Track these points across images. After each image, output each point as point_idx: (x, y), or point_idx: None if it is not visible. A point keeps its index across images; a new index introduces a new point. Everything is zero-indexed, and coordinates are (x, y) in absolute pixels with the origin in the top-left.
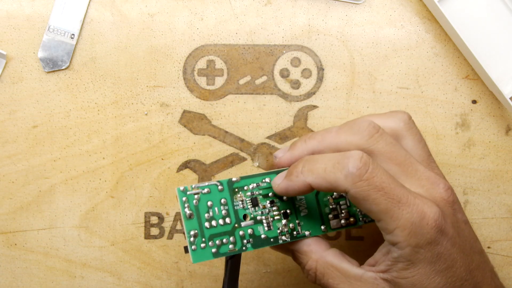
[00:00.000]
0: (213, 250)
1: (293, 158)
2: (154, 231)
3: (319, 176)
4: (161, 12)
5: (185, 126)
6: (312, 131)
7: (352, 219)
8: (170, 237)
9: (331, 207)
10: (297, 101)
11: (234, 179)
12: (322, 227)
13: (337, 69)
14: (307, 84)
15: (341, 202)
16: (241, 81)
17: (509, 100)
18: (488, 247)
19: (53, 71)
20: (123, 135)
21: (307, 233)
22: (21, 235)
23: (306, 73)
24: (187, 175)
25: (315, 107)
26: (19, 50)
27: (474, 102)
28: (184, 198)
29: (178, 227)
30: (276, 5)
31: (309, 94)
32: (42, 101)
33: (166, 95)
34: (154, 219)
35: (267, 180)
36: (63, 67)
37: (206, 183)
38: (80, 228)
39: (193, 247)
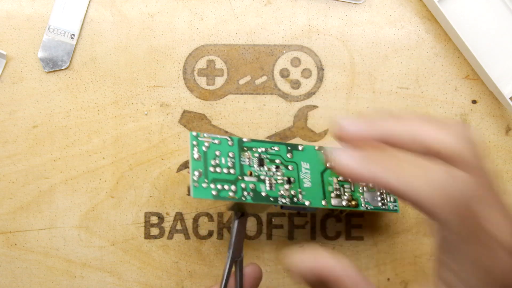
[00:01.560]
0: (214, 192)
1: (368, 136)
2: (154, 231)
3: (409, 187)
4: (161, 12)
5: (185, 126)
6: (312, 131)
7: (354, 202)
8: (170, 237)
9: (334, 187)
10: (297, 101)
11: (245, 139)
12: (323, 202)
13: (337, 69)
14: (307, 84)
15: (345, 185)
16: (241, 81)
17: (509, 100)
18: None
19: (53, 71)
20: (123, 135)
21: (307, 202)
22: (21, 235)
23: (306, 73)
24: (187, 175)
25: (315, 107)
26: (19, 50)
27: (474, 102)
28: (194, 142)
29: (178, 227)
30: (276, 5)
31: (309, 94)
32: (42, 101)
33: (166, 95)
34: (154, 219)
35: (276, 148)
36: (63, 67)
37: (218, 136)
38: (80, 228)
39: (195, 184)
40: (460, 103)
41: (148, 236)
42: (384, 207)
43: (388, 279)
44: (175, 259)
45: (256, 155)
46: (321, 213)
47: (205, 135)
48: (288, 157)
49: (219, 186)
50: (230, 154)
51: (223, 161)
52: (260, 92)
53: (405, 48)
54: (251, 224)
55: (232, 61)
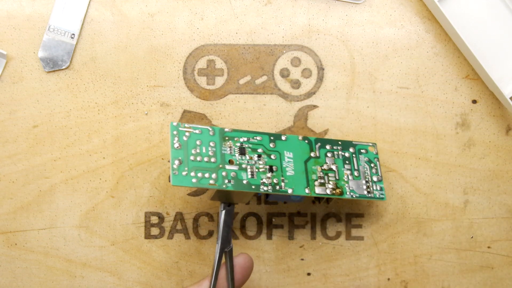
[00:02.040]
0: (194, 180)
1: None
2: (155, 231)
3: None
4: (161, 12)
5: None
6: (312, 131)
7: (338, 190)
8: (171, 237)
9: (318, 175)
10: (297, 100)
11: (226, 129)
12: (306, 190)
13: (337, 68)
14: (307, 84)
15: (329, 174)
16: (241, 81)
17: (509, 100)
18: (488, 247)
19: (53, 71)
20: (123, 135)
21: (290, 190)
22: (21, 235)
23: (306, 72)
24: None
25: (315, 106)
26: (19, 50)
27: (474, 102)
28: (175, 132)
29: (179, 226)
30: (276, 5)
31: (309, 94)
32: (43, 101)
33: (166, 95)
34: (155, 219)
35: (259, 138)
36: (63, 67)
37: (199, 126)
38: (80, 228)
39: (174, 172)
40: (460, 103)
41: (148, 236)
42: (370, 195)
43: (389, 279)
44: (176, 259)
45: (238, 144)
46: (321, 212)
47: (186, 125)
48: (270, 147)
49: (199, 174)
50: (211, 144)
51: (203, 150)
52: (260, 92)
53: (405, 47)
54: (251, 224)
55: (232, 61)
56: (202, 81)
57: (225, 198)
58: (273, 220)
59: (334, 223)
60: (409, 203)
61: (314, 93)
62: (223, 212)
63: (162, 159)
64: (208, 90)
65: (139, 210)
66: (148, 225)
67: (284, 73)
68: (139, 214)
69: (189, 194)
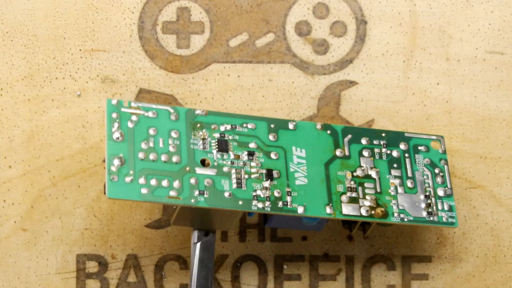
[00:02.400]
0: (144, 190)
1: None
2: (93, 284)
3: None
4: None
5: None
6: (349, 123)
7: (380, 210)
8: None
9: (348, 185)
10: (324, 73)
11: (198, 111)
12: (328, 208)
13: (388, 22)
14: (339, 47)
15: (366, 184)
16: (233, 42)
17: None
18: None
19: None
20: (41, 130)
21: (300, 209)
22: None
23: (338, 28)
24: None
25: (353, 83)
26: None
27: None
28: (114, 115)
29: (132, 278)
30: None
31: (343, 63)
32: None
33: (111, 65)
34: (93, 266)
35: (251, 126)
36: None
37: (154, 105)
38: None
39: (112, 177)
40: None
41: None
42: (431, 218)
43: None
44: None
45: (217, 135)
46: (363, 254)
47: (133, 104)
48: (270, 140)
49: (153, 182)
50: (173, 134)
51: (160, 143)
52: (264, 60)
53: None
54: (248, 273)
55: (218, 10)
56: (169, 42)
57: (197, 221)
58: (285, 267)
59: (383, 272)
60: (505, 239)
61: (351, 61)
62: (197, 246)
63: (105, 168)
64: (179, 56)
65: (68, 251)
66: (82, 275)
67: (303, 30)
68: (67, 258)
69: (148, 226)
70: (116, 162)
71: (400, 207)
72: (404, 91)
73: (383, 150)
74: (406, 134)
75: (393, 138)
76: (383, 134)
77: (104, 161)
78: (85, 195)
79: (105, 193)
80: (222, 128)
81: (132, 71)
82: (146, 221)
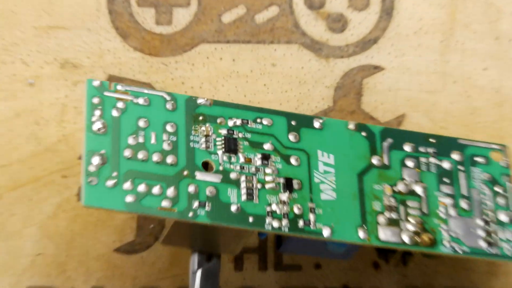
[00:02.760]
0: (129, 197)
1: None
2: None
3: None
4: None
5: None
6: (373, 118)
7: (427, 237)
8: None
9: (387, 203)
10: (341, 57)
11: (201, 100)
12: (361, 233)
13: None
14: (360, 23)
15: (409, 203)
16: (226, 17)
17: None
18: None
19: None
20: None
21: (326, 231)
22: None
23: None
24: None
25: (377, 69)
26: None
27: None
28: (95, 100)
29: None
30: None
31: (366, 44)
32: None
33: (72, 46)
34: None
35: (266, 121)
36: None
37: (146, 90)
38: None
39: (90, 179)
40: None
41: None
42: (492, 250)
43: None
44: None
45: (224, 131)
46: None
47: (120, 87)
48: (290, 140)
49: (141, 188)
50: (169, 127)
51: (152, 139)
52: (266, 40)
53: None
54: None
55: None
56: (146, 17)
57: (194, 241)
58: None
59: None
60: None
61: (375, 41)
62: (198, 274)
63: (64, 176)
64: (159, 35)
65: (16, 282)
66: None
67: (314, 1)
68: None
69: (118, 250)
70: (96, 160)
71: (452, 234)
72: (442, 79)
73: (432, 160)
74: (460, 141)
75: (444, 145)
76: (433, 140)
77: (80, 158)
78: (37, 210)
79: (80, 200)
80: (230, 123)
81: (100, 53)
82: (116, 244)
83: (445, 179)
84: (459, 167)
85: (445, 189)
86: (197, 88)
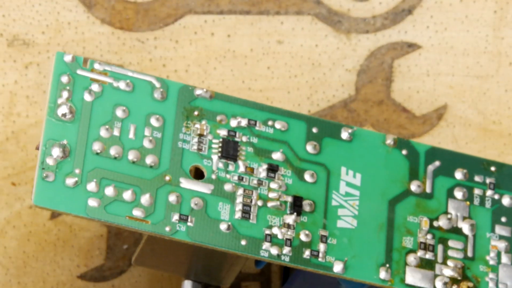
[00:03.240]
0: (92, 201)
1: None
2: None
3: None
4: None
5: None
6: (406, 110)
7: (467, 286)
8: None
9: (421, 240)
10: (367, 31)
11: (199, 91)
12: (382, 272)
13: None
14: None
15: (451, 242)
16: None
17: None
18: None
19: None
20: None
21: (338, 266)
22: None
23: None
24: (81, 225)
25: (412, 47)
26: None
27: None
28: (64, 79)
29: None
30: None
31: (397, 15)
32: None
33: (23, 19)
34: None
35: (279, 125)
36: None
37: (131, 72)
38: None
39: (46, 174)
40: None
41: None
42: None
43: None
44: None
45: (223, 132)
46: None
47: (98, 65)
48: (308, 151)
49: (108, 191)
50: (154, 121)
51: (130, 132)
52: (270, 10)
53: None
54: None
55: None
56: None
57: (172, 263)
58: None
59: None
60: None
61: (409, 11)
62: None
63: (14, 184)
64: (133, 4)
65: None
66: None
67: None
68: None
69: (82, 277)
70: (56, 151)
71: (501, 286)
72: (495, 60)
73: (489, 193)
74: None
75: (509, 175)
76: (493, 168)
77: (37, 148)
78: None
79: (32, 198)
80: (233, 123)
81: (57, 27)
82: (80, 270)
83: (502, 218)
84: None
85: (501, 230)
86: (182, 71)
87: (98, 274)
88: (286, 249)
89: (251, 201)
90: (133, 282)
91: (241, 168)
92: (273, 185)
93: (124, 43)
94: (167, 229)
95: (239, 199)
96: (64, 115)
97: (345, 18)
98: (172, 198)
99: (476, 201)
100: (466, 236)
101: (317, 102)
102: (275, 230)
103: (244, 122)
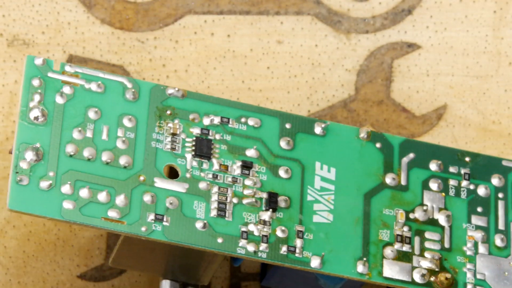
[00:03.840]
0: (67, 203)
1: None
2: None
3: None
4: None
5: None
6: (405, 110)
7: (444, 278)
8: None
9: (397, 232)
10: (366, 31)
11: (171, 90)
12: (360, 266)
13: None
14: None
15: (428, 234)
16: None
17: None
18: None
19: None
20: None
21: (315, 261)
22: None
23: None
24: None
25: (412, 47)
26: None
27: None
28: (36, 82)
29: None
30: None
31: (397, 15)
32: None
33: (23, 18)
34: None
35: (252, 122)
36: None
37: (102, 73)
38: None
39: (20, 178)
40: None
41: None
42: None
43: None
44: None
45: (196, 130)
46: None
47: (68, 67)
48: (282, 147)
49: (83, 193)
50: (127, 121)
51: (103, 133)
52: (270, 10)
53: None
54: None
55: None
56: None
57: (149, 263)
58: None
59: None
60: None
61: (409, 11)
62: None
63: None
64: (133, 4)
65: None
66: None
67: None
68: None
69: (82, 277)
70: (29, 155)
71: (478, 276)
72: (495, 60)
73: (464, 183)
74: (504, 163)
75: (483, 166)
76: (467, 159)
77: (11, 152)
78: None
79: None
80: (206, 121)
81: (57, 27)
82: (80, 269)
83: (478, 209)
84: (499, 194)
85: (477, 220)
86: (182, 71)
87: (98, 274)
88: (263, 246)
89: (226, 199)
90: (133, 282)
91: (215, 166)
92: (247, 182)
93: (124, 43)
94: (143, 229)
95: (214, 197)
96: (36, 118)
97: (345, 18)
98: (147, 198)
99: (452, 192)
100: (442, 228)
101: (317, 102)
102: (251, 227)
103: (217, 120)
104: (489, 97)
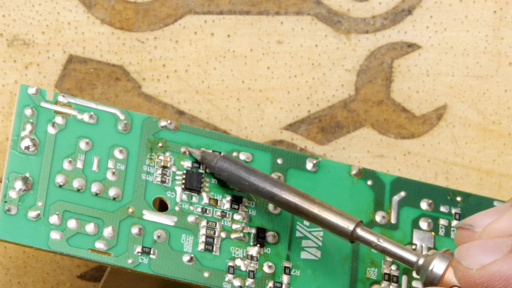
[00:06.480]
0: (55, 234)
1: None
2: None
3: None
4: None
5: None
6: (405, 110)
7: None
8: None
9: (385, 271)
10: (366, 31)
11: (163, 122)
12: None
13: None
14: None
15: (415, 273)
16: None
17: None
18: None
19: None
20: None
21: None
22: None
23: None
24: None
25: (412, 47)
26: None
27: None
28: (28, 111)
29: None
30: None
31: (397, 15)
32: None
33: (23, 18)
34: None
35: (244, 156)
36: None
37: (94, 104)
38: None
39: (8, 207)
40: None
41: None
42: None
43: None
44: None
45: (186, 163)
46: None
47: (61, 98)
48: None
49: (71, 224)
50: (118, 153)
51: (94, 165)
52: (270, 10)
53: None
54: None
55: None
56: None
57: None
58: None
59: None
60: None
61: (409, 11)
62: None
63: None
64: (133, 4)
65: None
66: None
67: None
68: None
69: (82, 277)
70: (18, 185)
71: None
72: (495, 60)
73: (454, 223)
74: (496, 203)
75: (475, 206)
76: (459, 199)
77: (0, 181)
78: None
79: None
80: (197, 152)
81: (57, 27)
82: (80, 270)
83: None
84: None
85: None
86: (182, 72)
87: (98, 274)
88: (249, 281)
89: (214, 233)
90: None
91: (205, 200)
92: (236, 217)
93: (124, 43)
94: (130, 261)
95: (203, 231)
96: (27, 148)
97: (345, 18)
98: (135, 230)
99: (441, 232)
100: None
101: (316, 102)
102: (238, 262)
103: (204, 152)
104: (489, 97)
